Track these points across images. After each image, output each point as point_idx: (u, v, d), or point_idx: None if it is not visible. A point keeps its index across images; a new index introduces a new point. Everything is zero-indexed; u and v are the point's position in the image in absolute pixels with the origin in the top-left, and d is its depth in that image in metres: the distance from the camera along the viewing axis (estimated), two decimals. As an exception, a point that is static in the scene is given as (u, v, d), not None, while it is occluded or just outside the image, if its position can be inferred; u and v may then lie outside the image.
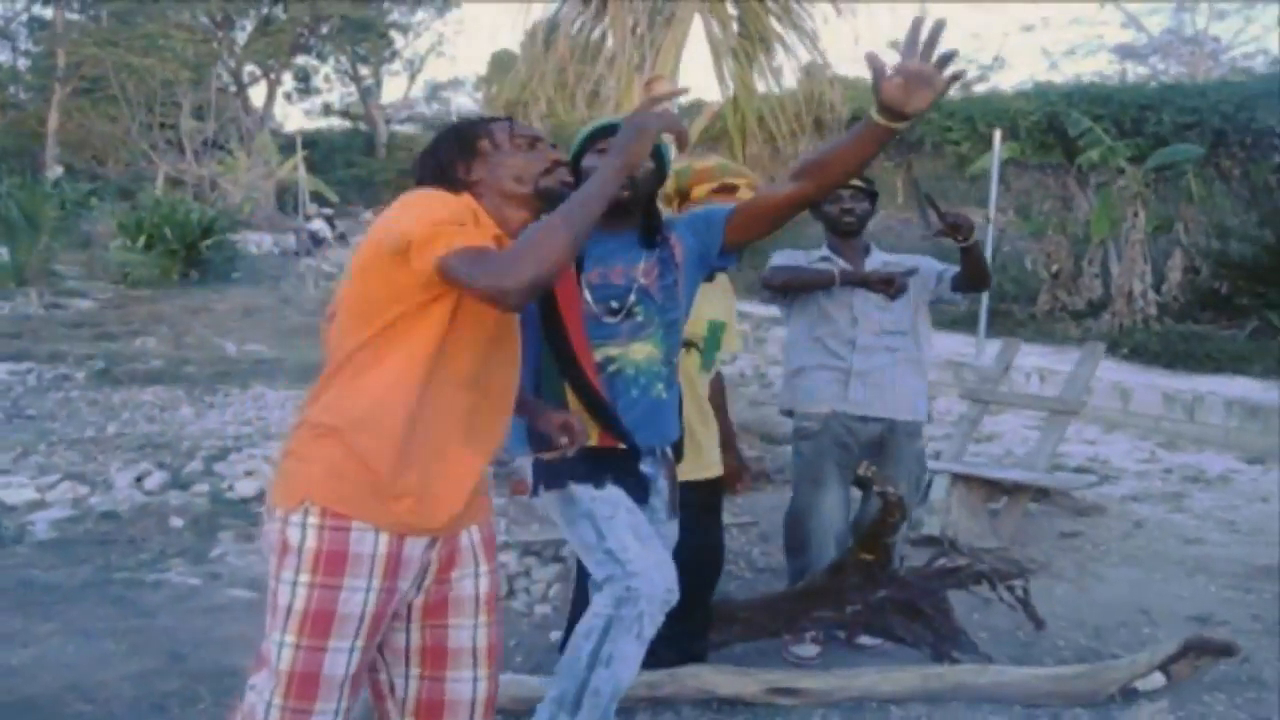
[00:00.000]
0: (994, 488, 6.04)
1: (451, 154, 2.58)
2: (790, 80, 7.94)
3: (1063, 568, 5.67)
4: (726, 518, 5.86)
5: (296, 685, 2.32)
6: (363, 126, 45.19)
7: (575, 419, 2.90)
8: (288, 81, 44.31)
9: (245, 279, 17.55)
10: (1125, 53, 31.53)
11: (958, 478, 5.87)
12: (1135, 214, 13.85)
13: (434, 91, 50.38)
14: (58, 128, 28.74)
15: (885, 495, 4.03)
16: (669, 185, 3.86)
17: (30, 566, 5.33)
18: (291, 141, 31.74)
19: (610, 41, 7.40)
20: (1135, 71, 29.22)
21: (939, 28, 2.49)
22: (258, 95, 40.34)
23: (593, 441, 3.10)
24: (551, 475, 3.15)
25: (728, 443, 4.22)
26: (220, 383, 9.96)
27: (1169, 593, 5.40)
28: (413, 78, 49.02)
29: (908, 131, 15.47)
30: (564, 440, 2.86)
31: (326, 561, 2.31)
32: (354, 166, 38.89)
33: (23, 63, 35.05)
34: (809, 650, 4.44)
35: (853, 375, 4.44)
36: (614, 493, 3.14)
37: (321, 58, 44.50)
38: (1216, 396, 9.34)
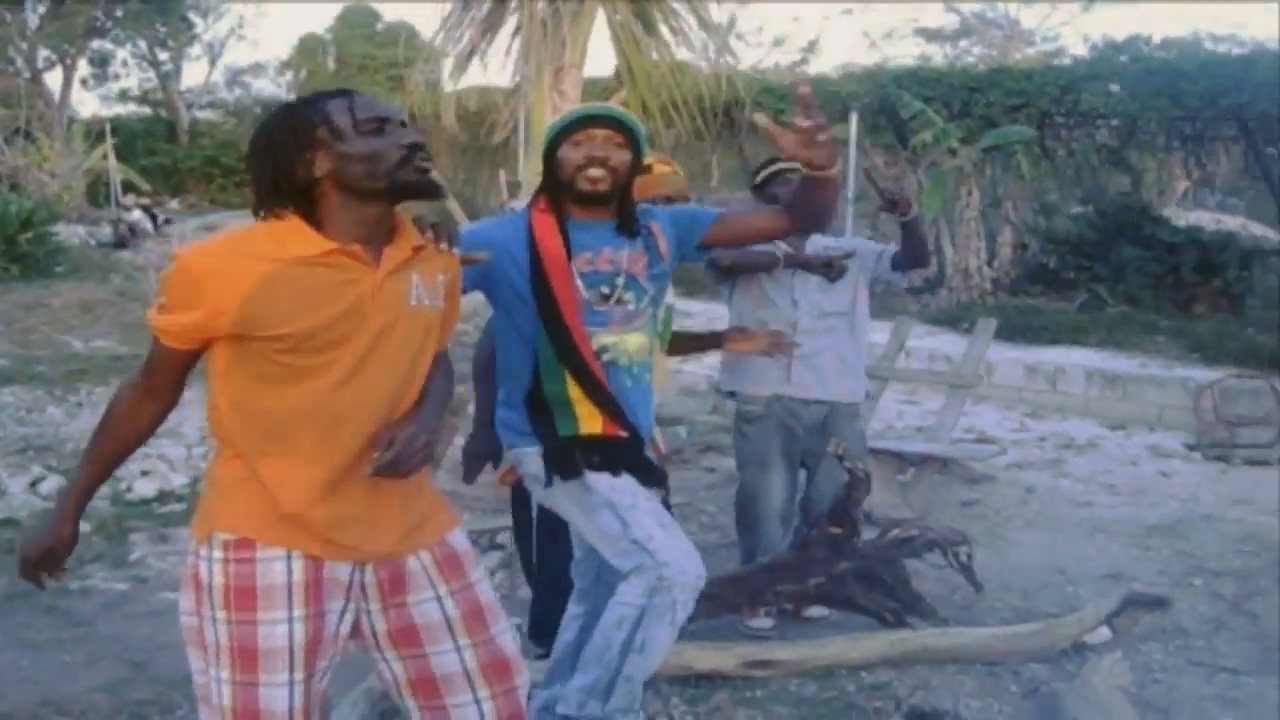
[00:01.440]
0: (900, 460, 6.27)
1: (288, 150, 2.20)
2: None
3: (975, 534, 5.87)
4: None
5: None
6: (163, 113, 43.45)
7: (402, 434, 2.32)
8: (83, 67, 42.34)
9: (70, 273, 16.73)
10: (930, 35, 32.71)
11: (869, 452, 6.08)
12: (969, 193, 14.47)
13: (235, 76, 48.79)
14: None
15: (853, 471, 4.17)
16: None
17: (-59, 579, 5.08)
18: (92, 129, 30.40)
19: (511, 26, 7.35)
20: (942, 54, 30.35)
21: (803, 94, 2.72)
22: (54, 81, 38.44)
23: (598, 430, 3.12)
24: (565, 465, 3.14)
25: None
26: (78, 381, 9.52)
27: (1076, 553, 5.71)
28: (213, 62, 47.36)
29: (740, 115, 15.85)
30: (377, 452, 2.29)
31: (236, 597, 2.19)
32: (156, 154, 37.35)
33: None
34: (764, 623, 4.56)
35: (795, 359, 4.52)
36: (629, 481, 3.14)
37: (118, 42, 42.60)
38: (1078, 367, 9.87)
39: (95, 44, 40.97)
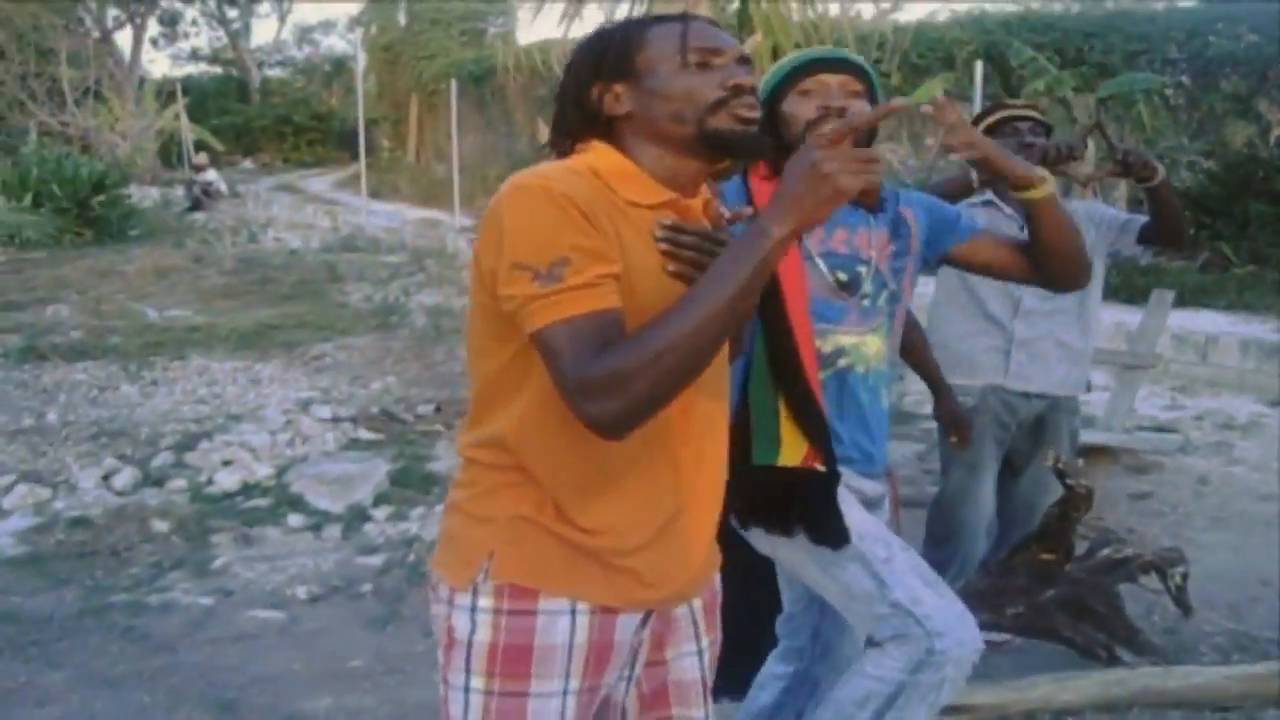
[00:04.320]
0: (1068, 450, 5.56)
1: (589, 75, 1.76)
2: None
3: (1156, 536, 5.23)
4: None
5: None
6: (234, 72, 43.41)
7: None
8: (153, 26, 42.19)
9: (145, 236, 16.32)
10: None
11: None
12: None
13: (304, 34, 48.66)
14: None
15: (1073, 488, 3.49)
16: None
17: (8, 592, 4.58)
18: (163, 89, 30.19)
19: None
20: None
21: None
22: (123, 41, 38.38)
23: (797, 460, 2.42)
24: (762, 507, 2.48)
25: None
26: (153, 354, 9.05)
27: (1277, 559, 5.00)
28: (282, 20, 47.33)
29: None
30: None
31: (505, 659, 1.70)
32: (229, 114, 37.22)
33: None
34: (939, 652, 3.92)
35: (1015, 344, 3.87)
36: (878, 523, 2.51)
37: (187, 0, 42.48)
38: (1231, 337, 9.05)
39: (164, 3, 40.90)
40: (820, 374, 2.45)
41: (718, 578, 2.00)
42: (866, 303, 2.51)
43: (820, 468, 2.41)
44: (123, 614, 4.39)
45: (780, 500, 2.42)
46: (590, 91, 1.76)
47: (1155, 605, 4.23)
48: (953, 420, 3.74)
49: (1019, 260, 2.57)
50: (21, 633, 4.19)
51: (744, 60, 1.78)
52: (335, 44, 47.22)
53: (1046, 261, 2.50)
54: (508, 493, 1.72)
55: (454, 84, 18.49)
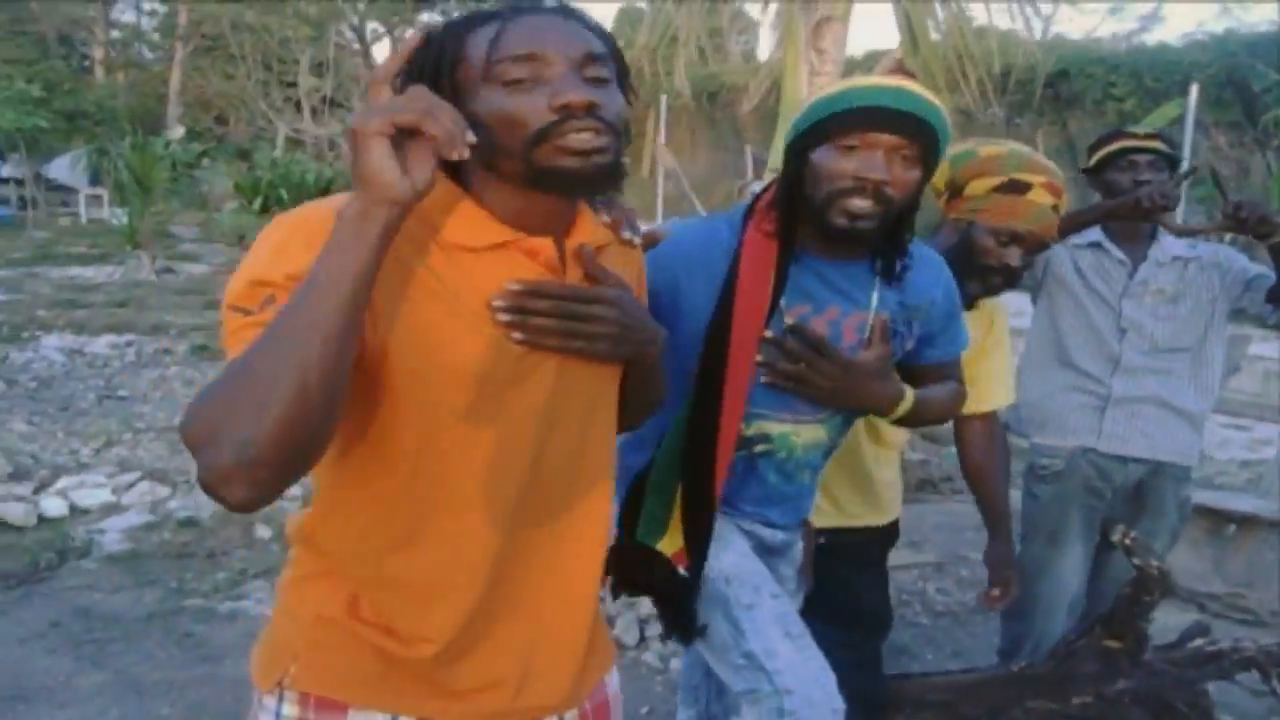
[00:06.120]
0: (1219, 517, 5.02)
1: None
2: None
3: (1309, 622, 4.67)
4: (906, 555, 5.01)
5: None
6: (480, 85, 44.76)
7: None
8: (411, 40, 43.85)
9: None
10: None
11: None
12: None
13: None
14: (180, 87, 28.62)
15: (1143, 569, 3.07)
16: (936, 176, 2.66)
17: (94, 589, 4.65)
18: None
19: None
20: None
21: None
22: (380, 53, 40.06)
23: (670, 552, 2.16)
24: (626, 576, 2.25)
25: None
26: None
27: None
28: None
29: (1063, 87, 14.33)
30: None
31: None
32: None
33: (147, 22, 35.16)
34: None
35: (1112, 403, 3.44)
36: (754, 565, 2.22)
37: (446, 15, 44.06)
38: None
39: (424, 17, 42.56)
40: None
41: (611, 679, 1.70)
42: None
43: (683, 571, 2.15)
44: (190, 619, 4.40)
45: (647, 585, 2.19)
46: None
47: (1273, 704, 3.73)
48: (998, 569, 3.05)
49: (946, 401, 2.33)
50: (86, 630, 4.24)
51: (592, 60, 1.37)
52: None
53: None
54: (316, 585, 1.50)
55: (663, 99, 18.43)
